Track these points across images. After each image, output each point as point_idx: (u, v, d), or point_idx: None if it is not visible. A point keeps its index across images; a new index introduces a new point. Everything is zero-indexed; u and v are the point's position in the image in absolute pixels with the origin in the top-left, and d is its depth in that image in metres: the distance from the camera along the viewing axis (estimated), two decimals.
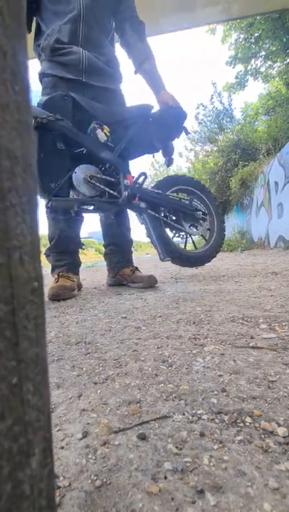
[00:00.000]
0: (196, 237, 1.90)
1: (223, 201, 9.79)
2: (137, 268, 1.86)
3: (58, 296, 1.49)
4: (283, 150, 5.20)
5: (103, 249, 2.03)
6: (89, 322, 0.99)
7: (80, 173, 1.46)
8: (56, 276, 1.64)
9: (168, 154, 1.82)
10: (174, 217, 1.76)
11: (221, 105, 12.07)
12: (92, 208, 1.53)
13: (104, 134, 1.50)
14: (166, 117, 1.72)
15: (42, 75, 1.64)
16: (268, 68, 9.75)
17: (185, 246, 1.81)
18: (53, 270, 1.72)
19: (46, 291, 1.54)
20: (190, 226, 1.78)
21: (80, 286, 1.81)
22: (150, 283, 1.68)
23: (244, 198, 7.84)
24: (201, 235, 1.89)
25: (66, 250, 1.72)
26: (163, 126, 1.72)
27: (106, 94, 1.69)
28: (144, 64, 1.73)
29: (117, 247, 1.87)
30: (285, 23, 7.76)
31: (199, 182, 1.94)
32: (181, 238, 1.82)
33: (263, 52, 9.17)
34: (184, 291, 1.45)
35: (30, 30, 1.68)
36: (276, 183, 5.42)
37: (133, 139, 1.64)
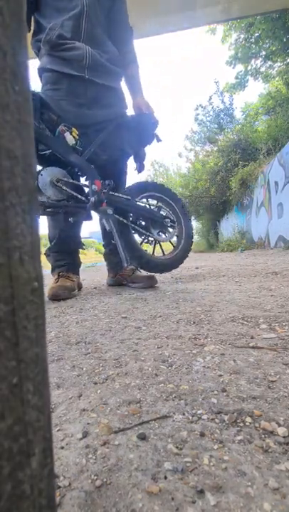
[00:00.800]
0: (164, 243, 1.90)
1: (223, 201, 9.80)
2: (137, 268, 1.86)
3: (57, 296, 1.49)
4: (283, 150, 5.21)
5: (103, 249, 2.03)
6: (89, 322, 0.99)
7: (47, 176, 1.42)
8: (56, 276, 1.64)
9: (139, 160, 1.81)
10: (143, 223, 1.75)
11: (222, 104, 12.05)
12: (57, 210, 1.47)
13: (73, 137, 1.46)
14: (137, 123, 1.72)
15: (42, 70, 1.61)
16: (268, 68, 9.74)
17: (153, 252, 1.81)
18: (53, 270, 1.72)
19: (46, 291, 1.54)
20: (158, 233, 1.78)
21: (80, 286, 1.81)
22: (150, 283, 1.68)
23: (244, 198, 7.84)
24: (170, 242, 1.89)
25: (66, 250, 1.72)
26: (134, 131, 1.72)
27: (108, 92, 1.68)
28: (127, 69, 1.76)
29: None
30: (285, 23, 7.75)
31: (169, 189, 1.94)
32: (150, 244, 1.82)
33: (263, 52, 9.16)
34: (184, 291, 1.45)
35: (30, 29, 1.67)
36: (276, 183, 5.42)
37: (104, 143, 1.62)
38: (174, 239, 1.86)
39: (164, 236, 1.81)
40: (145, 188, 1.82)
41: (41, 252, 0.21)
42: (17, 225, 0.17)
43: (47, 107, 1.46)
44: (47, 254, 1.73)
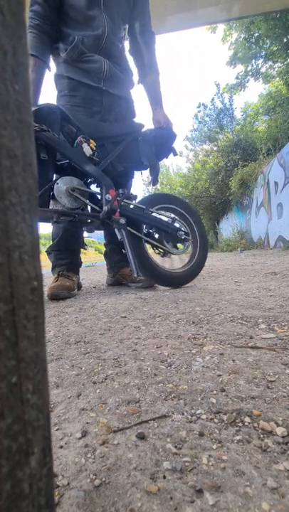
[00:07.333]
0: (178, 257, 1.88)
1: (223, 201, 9.80)
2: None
3: (57, 296, 1.49)
4: (283, 150, 5.21)
5: (103, 249, 2.02)
6: (88, 321, 0.99)
7: (62, 185, 1.45)
8: (56, 275, 1.64)
9: (154, 174, 1.83)
10: (156, 236, 1.73)
11: (222, 105, 12.06)
12: (71, 219, 1.49)
13: (90, 148, 1.50)
14: (155, 137, 1.75)
15: (59, 77, 1.66)
16: (268, 68, 9.75)
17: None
18: (53, 269, 1.72)
19: (46, 290, 1.54)
20: (172, 245, 1.76)
21: (79, 286, 1.81)
22: (150, 283, 1.68)
23: (244, 198, 7.85)
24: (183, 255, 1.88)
25: (68, 249, 1.72)
26: (152, 145, 1.75)
27: (121, 102, 1.75)
28: (147, 77, 1.81)
29: (118, 246, 1.87)
30: (285, 23, 7.75)
31: (184, 200, 1.94)
32: (162, 256, 1.81)
33: (264, 52, 9.16)
34: (183, 291, 1.45)
35: (57, 39, 1.63)
36: (276, 183, 5.43)
37: (121, 155, 1.64)
38: (189, 251, 1.84)
39: (177, 249, 1.78)
40: (159, 200, 1.82)
41: (41, 251, 0.21)
42: (17, 224, 0.17)
43: (67, 120, 1.52)
44: (48, 252, 1.73)
